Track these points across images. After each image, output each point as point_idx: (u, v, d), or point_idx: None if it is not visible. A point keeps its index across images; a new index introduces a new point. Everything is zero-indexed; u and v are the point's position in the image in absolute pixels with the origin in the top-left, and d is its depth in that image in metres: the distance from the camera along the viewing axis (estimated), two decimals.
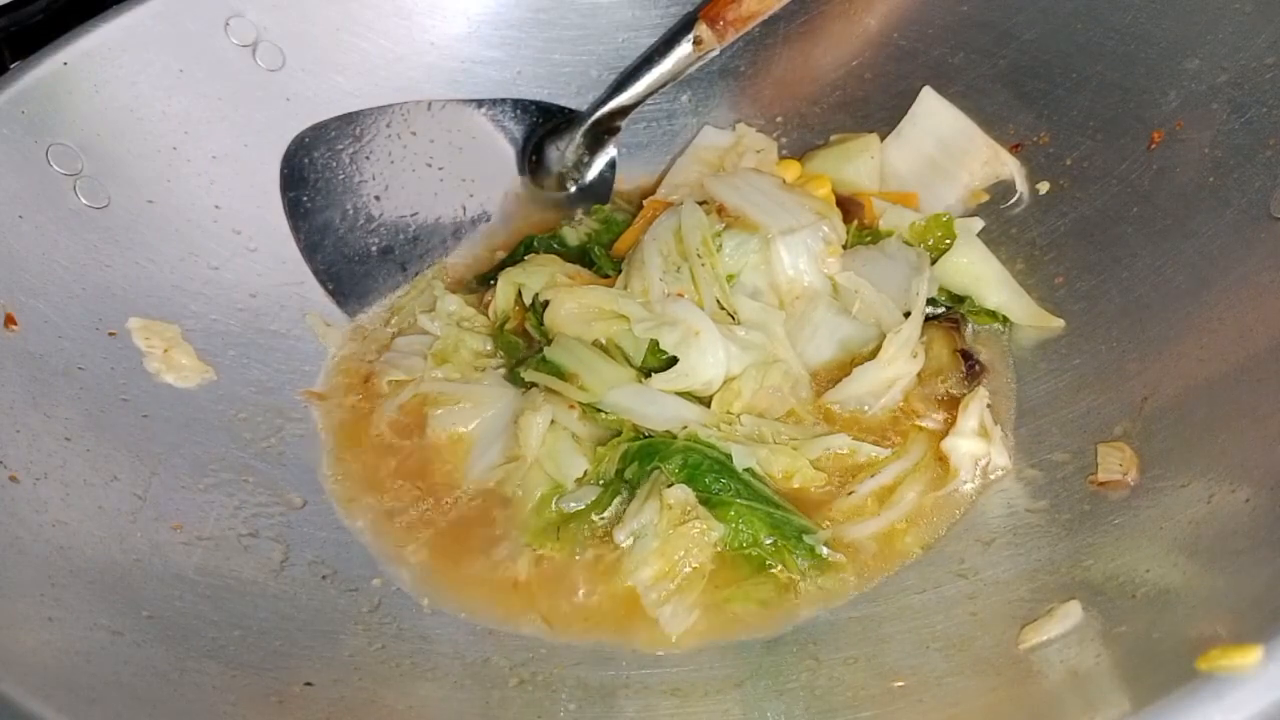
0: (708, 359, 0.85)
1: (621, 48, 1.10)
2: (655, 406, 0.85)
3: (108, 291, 0.86)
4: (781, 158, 1.09)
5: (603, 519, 0.82)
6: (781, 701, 0.69)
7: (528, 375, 0.88)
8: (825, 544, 0.78)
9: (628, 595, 0.78)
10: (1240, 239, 0.79)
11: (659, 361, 0.87)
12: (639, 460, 0.82)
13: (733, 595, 0.77)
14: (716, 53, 1.04)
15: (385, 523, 0.85)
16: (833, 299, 0.91)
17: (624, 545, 0.79)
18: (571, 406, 0.85)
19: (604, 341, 0.89)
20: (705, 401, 0.86)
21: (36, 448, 0.75)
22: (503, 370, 0.93)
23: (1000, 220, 0.99)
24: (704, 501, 0.79)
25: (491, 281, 0.98)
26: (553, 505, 0.83)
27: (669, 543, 0.78)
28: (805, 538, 0.78)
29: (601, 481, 0.83)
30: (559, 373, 0.87)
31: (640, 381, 0.86)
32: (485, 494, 0.86)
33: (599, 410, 0.85)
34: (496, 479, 0.86)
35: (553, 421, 0.85)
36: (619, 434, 0.85)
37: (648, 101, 1.07)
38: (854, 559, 0.79)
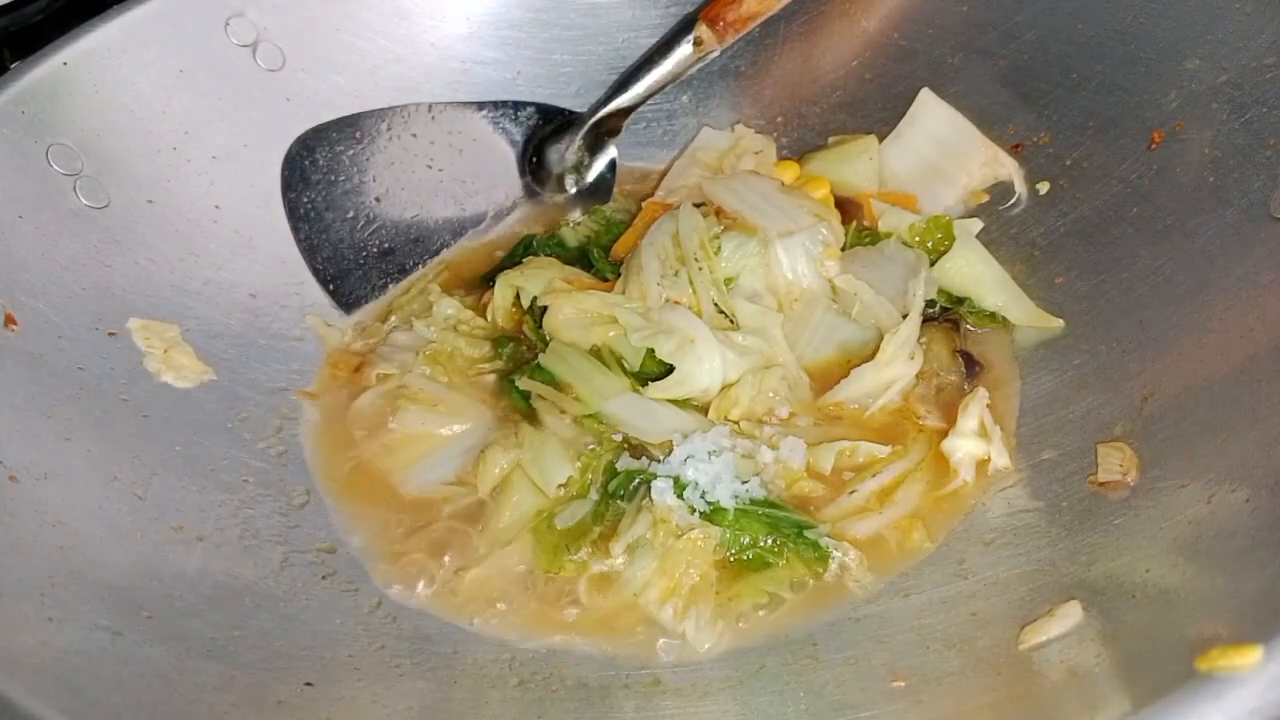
0: (704, 366, 0.84)
1: (621, 48, 1.10)
2: (650, 418, 0.84)
3: (108, 291, 0.86)
4: (781, 158, 1.09)
5: (603, 529, 0.81)
6: (781, 701, 0.69)
7: (522, 384, 0.87)
8: (826, 536, 0.78)
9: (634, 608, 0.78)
10: (1240, 239, 0.79)
11: (658, 366, 0.87)
12: (622, 476, 0.82)
13: (741, 591, 0.77)
14: (717, 53, 1.04)
15: (351, 513, 0.85)
16: (831, 301, 0.91)
17: (620, 558, 0.78)
18: (563, 412, 0.85)
19: (601, 346, 0.89)
20: (703, 408, 0.86)
21: (36, 448, 0.75)
22: (495, 375, 0.92)
23: (1000, 221, 0.98)
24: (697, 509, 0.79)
25: (490, 282, 0.98)
26: (550, 526, 0.81)
27: (668, 559, 0.77)
28: (805, 533, 0.78)
29: (591, 491, 0.82)
30: (554, 381, 0.86)
31: (636, 390, 0.85)
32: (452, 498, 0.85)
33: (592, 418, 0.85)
34: (440, 495, 0.85)
35: (542, 426, 0.85)
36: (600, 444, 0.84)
37: (648, 102, 1.07)
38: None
